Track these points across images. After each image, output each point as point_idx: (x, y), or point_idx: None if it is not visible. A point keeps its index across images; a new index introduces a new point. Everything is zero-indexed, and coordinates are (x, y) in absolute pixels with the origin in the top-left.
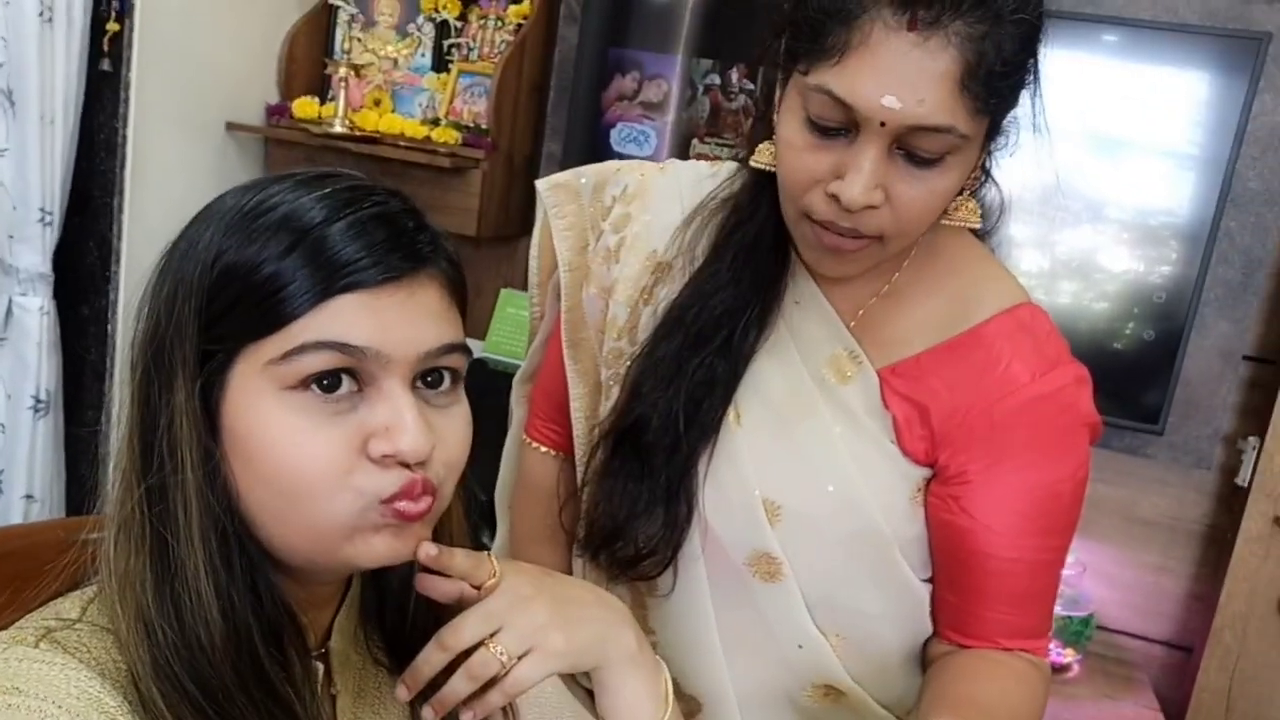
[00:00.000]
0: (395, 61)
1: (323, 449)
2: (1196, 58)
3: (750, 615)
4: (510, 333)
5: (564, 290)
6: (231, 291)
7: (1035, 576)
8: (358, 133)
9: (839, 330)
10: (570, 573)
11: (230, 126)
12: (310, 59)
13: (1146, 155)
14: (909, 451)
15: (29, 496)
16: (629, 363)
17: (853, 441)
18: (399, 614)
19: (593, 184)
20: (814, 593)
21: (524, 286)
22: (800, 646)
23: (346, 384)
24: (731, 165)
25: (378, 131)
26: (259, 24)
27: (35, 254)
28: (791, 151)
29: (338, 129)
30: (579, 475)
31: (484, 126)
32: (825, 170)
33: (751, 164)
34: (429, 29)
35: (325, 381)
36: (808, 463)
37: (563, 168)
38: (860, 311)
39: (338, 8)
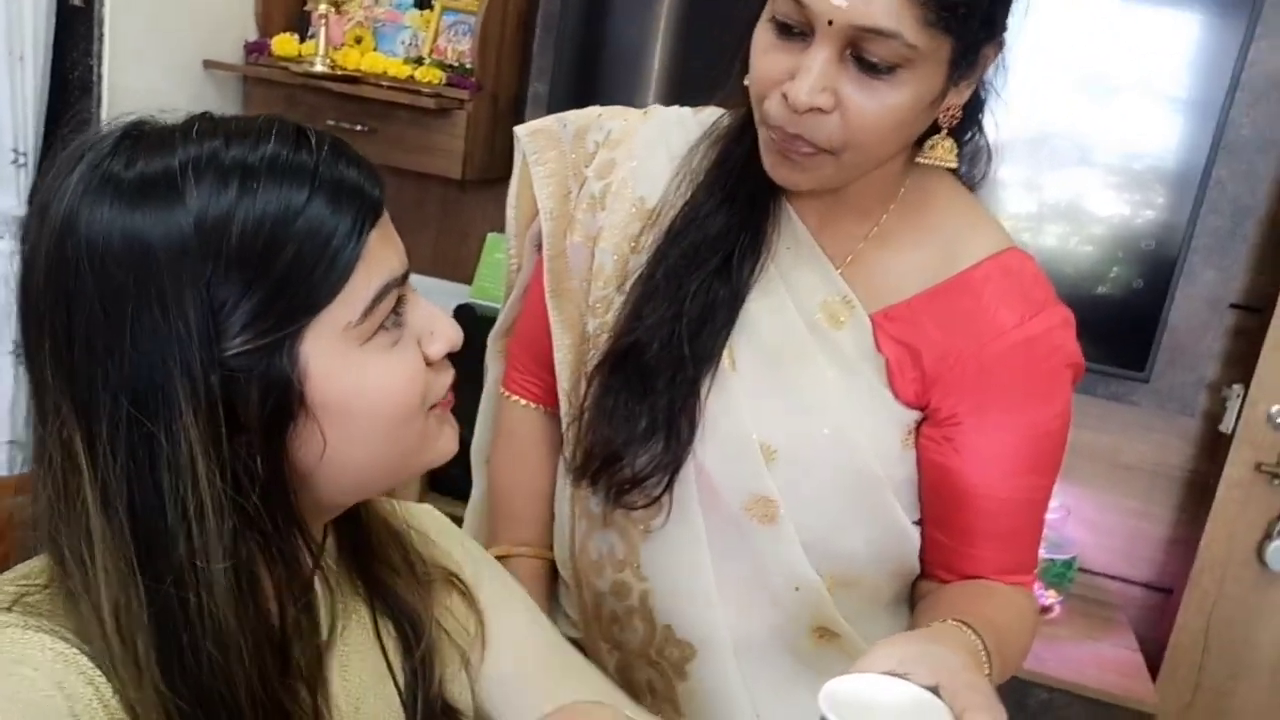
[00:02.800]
0: None
1: (412, 375)
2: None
3: (746, 560)
4: (497, 278)
5: (546, 239)
6: (271, 268)
7: (1024, 514)
8: (339, 72)
9: (830, 275)
10: (551, 524)
11: (208, 65)
12: None
13: (1139, 98)
14: (900, 394)
15: (13, 442)
16: (616, 312)
17: (846, 385)
18: (364, 534)
19: (574, 129)
20: (809, 534)
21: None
22: (796, 589)
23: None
24: (716, 110)
25: (359, 71)
26: None
27: (9, 196)
28: (757, 53)
29: (319, 68)
30: (567, 413)
31: (468, 66)
32: (783, 72)
33: (745, 82)
34: None
35: (392, 316)
36: (803, 406)
37: (549, 109)
38: (849, 257)
39: None
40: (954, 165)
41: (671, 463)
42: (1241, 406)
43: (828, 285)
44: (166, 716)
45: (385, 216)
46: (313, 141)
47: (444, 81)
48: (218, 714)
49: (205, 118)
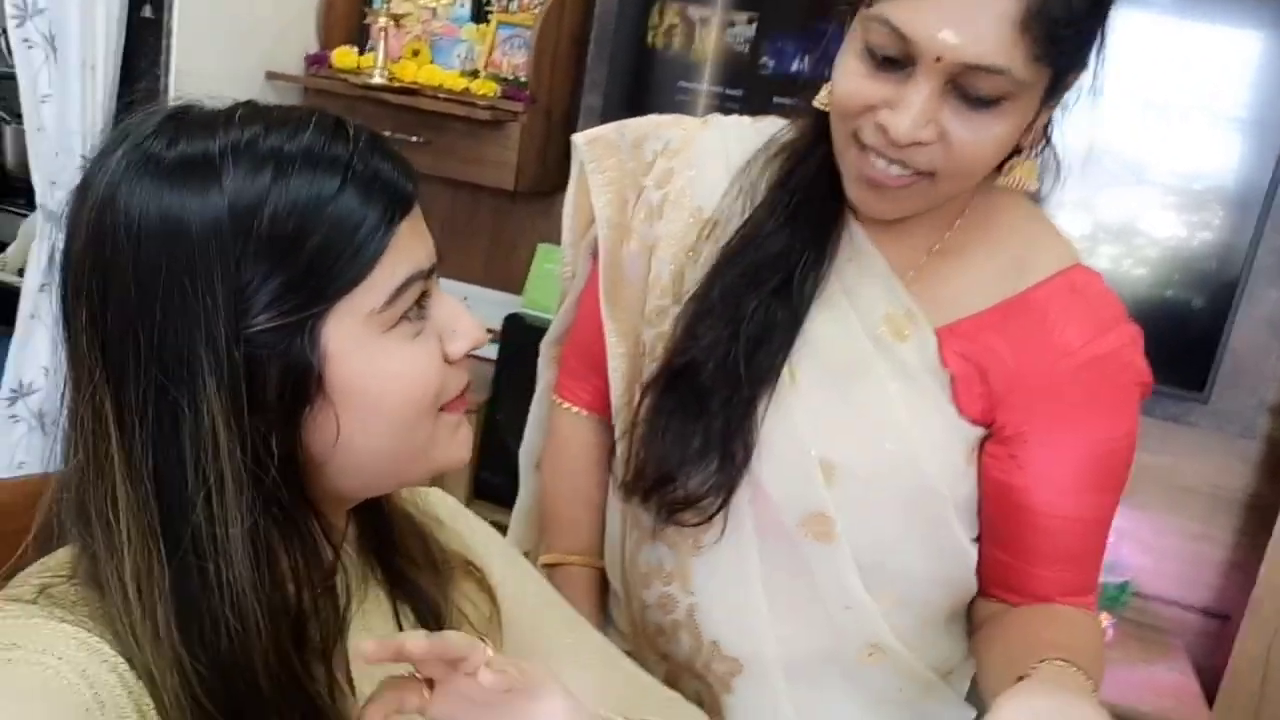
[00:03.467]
0: (434, 11)
1: (429, 367)
2: (1255, 17)
3: (799, 577)
4: (547, 288)
5: (603, 247)
6: (298, 253)
7: (1089, 534)
8: (396, 84)
9: (894, 288)
10: (603, 533)
11: (270, 76)
12: (350, 8)
13: (1201, 118)
14: (965, 410)
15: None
16: (673, 322)
17: (910, 399)
18: (387, 527)
19: (632, 139)
20: (865, 553)
21: (560, 242)
22: (847, 608)
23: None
24: (776, 120)
25: (416, 83)
26: None
27: None
28: (846, 78)
29: (377, 80)
30: (620, 426)
31: (523, 79)
32: (878, 98)
33: (815, 104)
34: None
35: (415, 308)
36: (865, 421)
37: (602, 120)
38: (914, 270)
39: None
40: (1035, 187)
41: (726, 484)
42: None
43: (891, 298)
44: (187, 687)
45: (417, 210)
46: (350, 133)
47: (498, 94)
48: (236, 686)
49: (248, 105)
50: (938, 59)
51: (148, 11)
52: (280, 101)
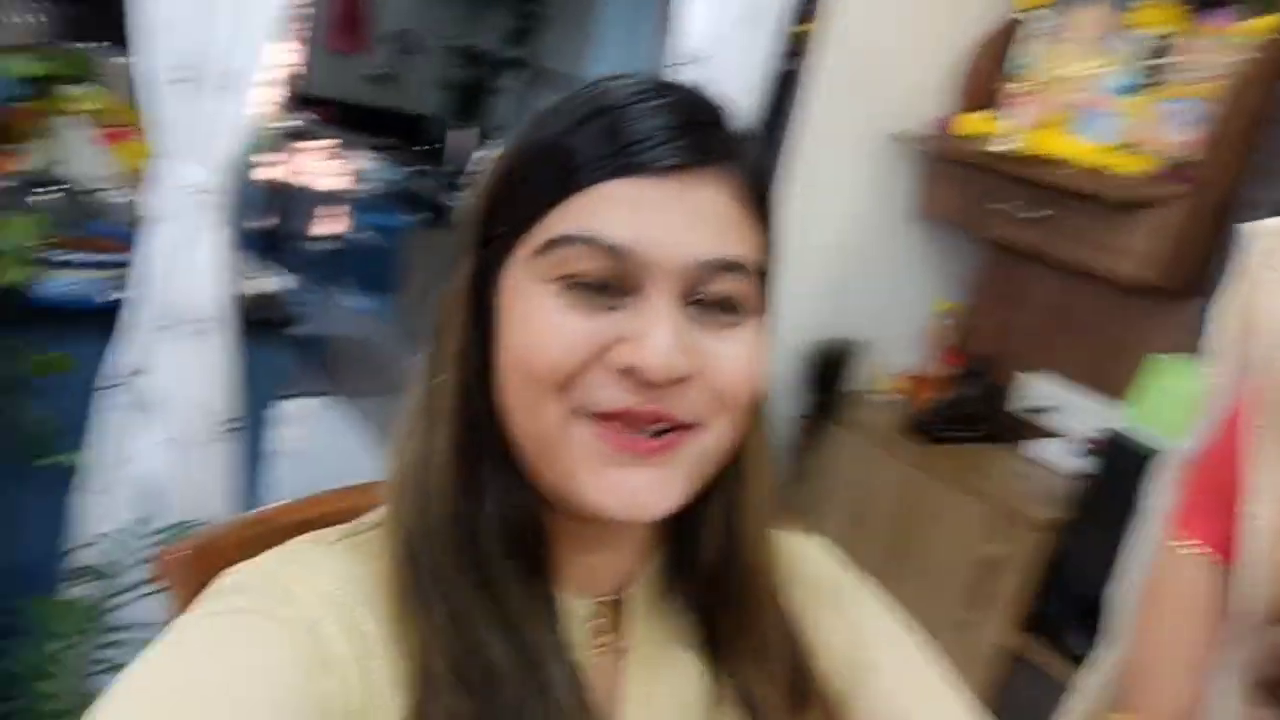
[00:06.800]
0: (1084, 81)
1: (557, 338)
2: None
3: None
4: (1158, 408)
5: (1268, 364)
6: (520, 170)
7: None
8: (1018, 153)
9: None
10: (1194, 703)
11: (892, 136)
12: (986, 74)
13: None
14: None
15: None
16: None
17: None
18: (714, 559)
19: None
20: None
21: (1181, 353)
22: None
23: (613, 291)
24: None
25: (1047, 154)
26: (940, 35)
27: None
28: None
29: (1002, 147)
30: (1259, 601)
31: (1181, 160)
32: None
33: None
34: (1130, 46)
35: (590, 284)
36: None
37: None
38: None
39: (1023, 22)
40: None
41: None
42: None
43: None
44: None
45: (683, 198)
46: (665, 91)
47: (1145, 175)
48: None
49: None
50: None
51: (792, 64)
52: (899, 162)
